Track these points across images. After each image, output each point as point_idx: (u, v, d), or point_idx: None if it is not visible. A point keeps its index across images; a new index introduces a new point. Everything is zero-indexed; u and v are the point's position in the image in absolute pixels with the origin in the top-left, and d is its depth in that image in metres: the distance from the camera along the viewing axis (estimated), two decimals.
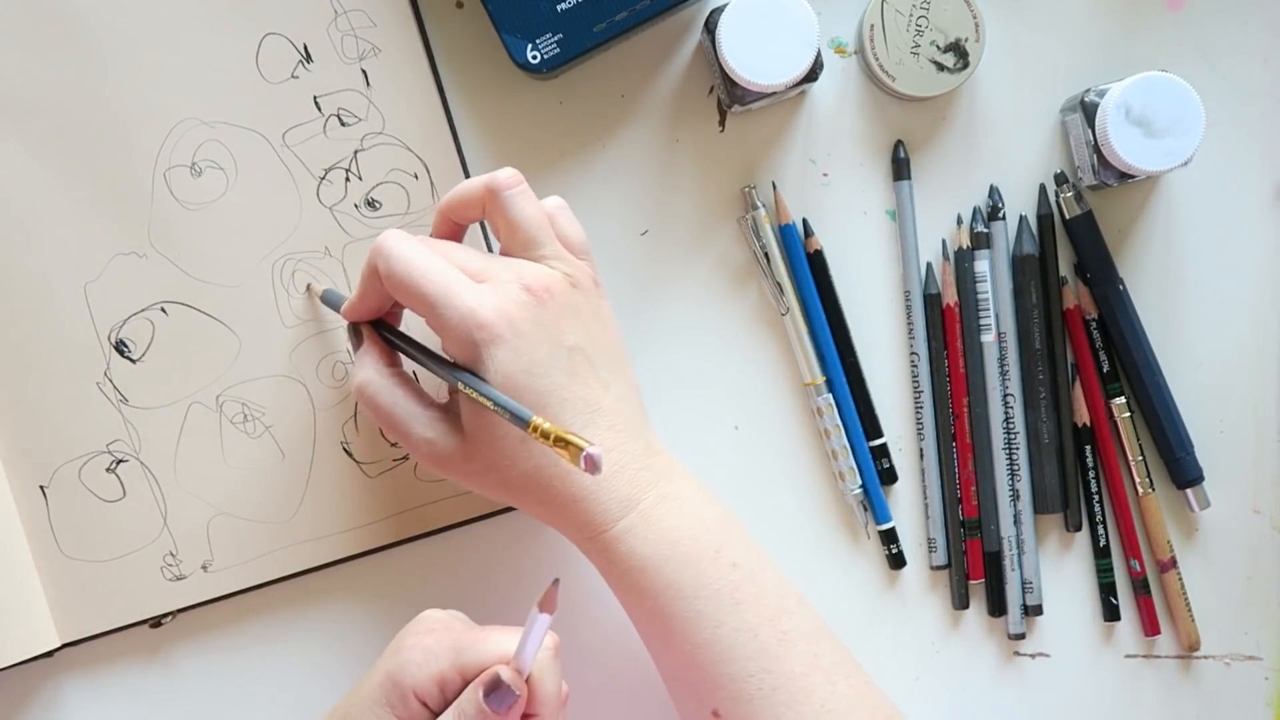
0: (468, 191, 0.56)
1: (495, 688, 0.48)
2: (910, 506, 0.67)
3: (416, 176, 0.64)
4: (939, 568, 0.66)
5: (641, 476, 0.54)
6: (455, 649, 0.50)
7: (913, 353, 0.66)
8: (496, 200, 0.55)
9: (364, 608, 0.66)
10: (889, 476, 0.66)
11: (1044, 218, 0.65)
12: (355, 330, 0.58)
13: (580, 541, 0.55)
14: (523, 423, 0.50)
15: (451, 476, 0.56)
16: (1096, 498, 0.66)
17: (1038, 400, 0.65)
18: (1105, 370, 0.66)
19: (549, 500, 0.54)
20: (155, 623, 0.65)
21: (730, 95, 0.62)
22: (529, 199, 0.55)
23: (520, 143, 0.65)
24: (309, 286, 0.63)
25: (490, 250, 0.64)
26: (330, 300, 0.61)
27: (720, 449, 0.66)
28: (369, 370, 0.56)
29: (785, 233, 0.65)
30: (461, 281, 0.53)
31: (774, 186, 0.65)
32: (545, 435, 0.49)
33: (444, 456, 0.55)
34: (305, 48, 0.63)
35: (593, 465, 0.47)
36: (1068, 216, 0.65)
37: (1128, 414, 0.66)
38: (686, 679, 0.55)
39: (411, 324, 0.59)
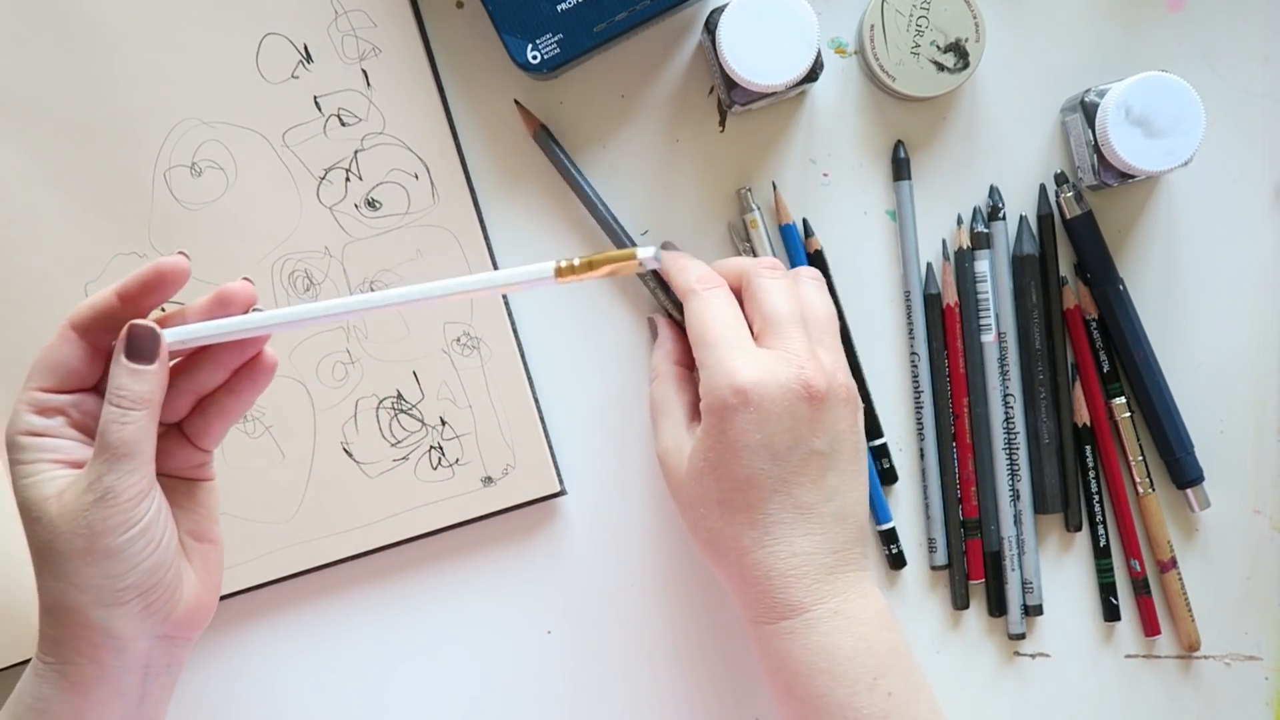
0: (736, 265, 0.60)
1: (126, 343, 0.48)
2: (910, 506, 0.67)
3: (417, 176, 0.64)
4: (939, 568, 0.66)
5: (818, 588, 0.54)
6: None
7: (913, 353, 0.66)
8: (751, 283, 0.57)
9: (363, 608, 0.66)
10: (889, 476, 0.66)
11: (1044, 218, 0.65)
12: (652, 321, 0.64)
13: (743, 621, 0.56)
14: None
15: (671, 491, 0.58)
16: (1096, 498, 0.66)
17: (1038, 400, 0.65)
18: (1105, 370, 0.66)
19: (723, 568, 0.56)
20: None
21: (730, 95, 0.62)
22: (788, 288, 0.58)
23: (520, 143, 0.65)
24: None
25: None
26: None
27: None
28: (658, 356, 0.62)
29: (785, 233, 0.65)
30: (740, 342, 0.55)
31: (774, 186, 0.65)
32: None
33: (667, 465, 0.58)
34: (305, 48, 0.63)
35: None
36: (1068, 216, 0.65)
37: (1128, 414, 0.66)
38: None
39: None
